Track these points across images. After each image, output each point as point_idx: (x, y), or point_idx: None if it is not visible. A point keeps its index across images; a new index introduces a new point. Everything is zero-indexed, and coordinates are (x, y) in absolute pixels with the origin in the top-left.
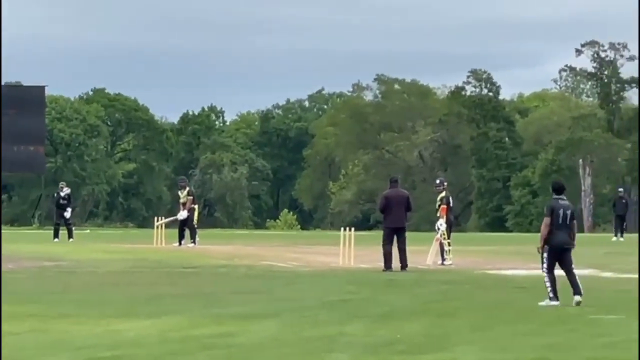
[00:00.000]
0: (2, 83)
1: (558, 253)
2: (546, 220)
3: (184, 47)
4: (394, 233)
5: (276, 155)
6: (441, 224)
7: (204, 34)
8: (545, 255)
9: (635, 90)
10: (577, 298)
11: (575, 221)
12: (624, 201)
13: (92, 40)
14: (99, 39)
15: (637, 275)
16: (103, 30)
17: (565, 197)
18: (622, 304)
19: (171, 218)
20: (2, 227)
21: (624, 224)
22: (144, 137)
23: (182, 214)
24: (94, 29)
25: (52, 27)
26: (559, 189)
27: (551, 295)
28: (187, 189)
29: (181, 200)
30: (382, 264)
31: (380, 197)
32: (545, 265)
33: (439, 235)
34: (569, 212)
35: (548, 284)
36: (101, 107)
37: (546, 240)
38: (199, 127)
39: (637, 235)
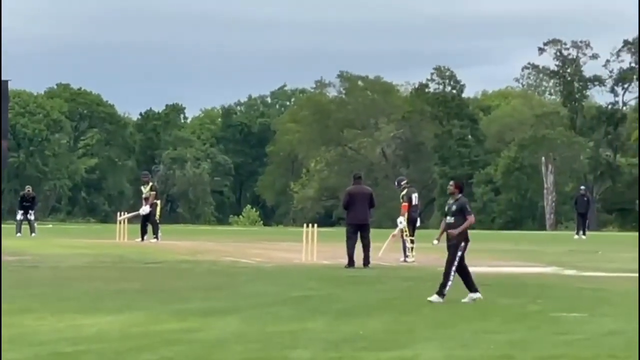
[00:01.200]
0: None
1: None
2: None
3: (148, 42)
4: (357, 229)
5: (239, 151)
6: (400, 221)
7: (169, 30)
8: (460, 253)
9: (598, 88)
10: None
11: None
12: (585, 199)
13: (56, 35)
14: (63, 33)
15: (599, 273)
16: (67, 24)
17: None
18: (584, 302)
19: (133, 213)
20: None
21: (587, 222)
22: (107, 132)
23: (145, 209)
24: (58, 24)
25: (17, 21)
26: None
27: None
28: (150, 184)
29: (144, 195)
30: (344, 261)
31: (344, 193)
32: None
33: (396, 232)
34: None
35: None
36: (64, 102)
37: (467, 238)
38: (158, 122)
39: (597, 233)
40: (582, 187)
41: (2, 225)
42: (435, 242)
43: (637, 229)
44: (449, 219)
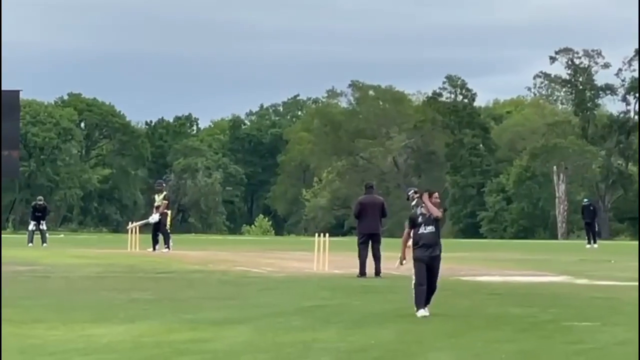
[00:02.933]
0: None
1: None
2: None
3: (160, 52)
4: (369, 239)
5: (249, 161)
6: None
7: (180, 40)
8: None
9: (610, 97)
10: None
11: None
12: (591, 208)
13: (68, 46)
14: (74, 44)
15: (611, 282)
16: (78, 35)
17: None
18: (596, 311)
19: (143, 221)
20: None
21: (595, 231)
22: (120, 142)
23: (154, 217)
24: (70, 34)
25: (31, 33)
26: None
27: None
28: (164, 193)
29: (156, 204)
30: (356, 270)
31: (355, 202)
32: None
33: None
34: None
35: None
36: (75, 111)
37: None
38: (170, 132)
39: (608, 242)
40: (586, 200)
41: (14, 236)
42: (402, 263)
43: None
44: (429, 228)
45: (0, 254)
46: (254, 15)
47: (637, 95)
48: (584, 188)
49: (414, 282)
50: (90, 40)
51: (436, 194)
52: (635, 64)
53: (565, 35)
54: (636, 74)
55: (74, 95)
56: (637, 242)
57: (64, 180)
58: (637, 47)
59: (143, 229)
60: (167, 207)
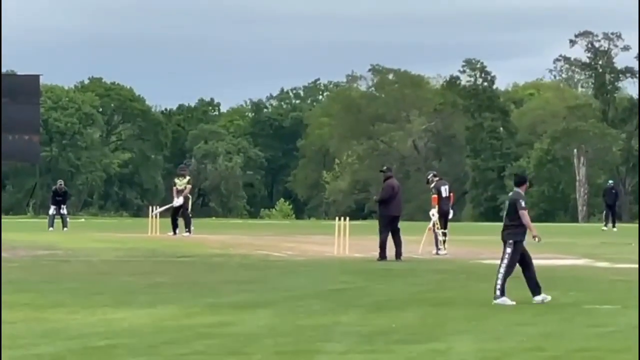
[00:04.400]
0: None
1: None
2: (527, 214)
3: (179, 36)
4: (393, 221)
5: (270, 145)
6: (433, 213)
7: (201, 23)
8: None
9: (630, 80)
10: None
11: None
12: (613, 191)
13: (88, 29)
14: (94, 27)
15: (632, 265)
16: (99, 18)
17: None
18: (617, 294)
19: (166, 206)
20: None
21: (615, 214)
22: (140, 126)
23: (178, 201)
24: (91, 17)
25: (49, 16)
26: (517, 182)
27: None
28: (188, 177)
29: (178, 187)
30: (376, 254)
31: (386, 185)
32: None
33: (430, 225)
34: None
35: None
36: (96, 97)
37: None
38: (190, 116)
39: (629, 225)
40: (610, 182)
41: (35, 220)
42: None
43: None
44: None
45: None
46: (276, 0)
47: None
48: (604, 171)
49: (506, 264)
50: (111, 24)
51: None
52: None
53: (585, 18)
54: None
55: (95, 80)
56: None
57: (85, 165)
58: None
59: (165, 213)
60: (191, 192)
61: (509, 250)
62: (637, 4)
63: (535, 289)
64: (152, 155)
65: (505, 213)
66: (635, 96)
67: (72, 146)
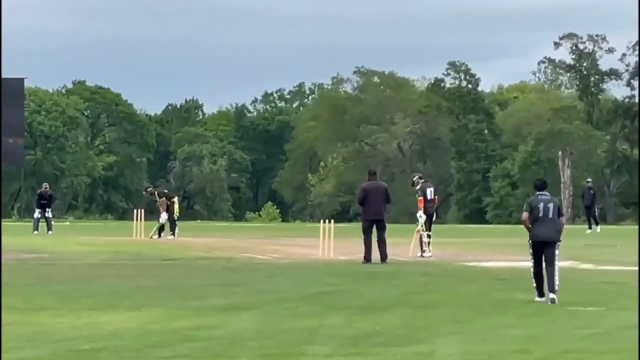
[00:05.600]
0: None
1: (539, 246)
2: (523, 215)
3: (164, 38)
4: (373, 225)
5: (254, 148)
6: (420, 215)
7: (184, 26)
8: (530, 251)
9: (615, 82)
10: (551, 295)
11: (562, 217)
12: (592, 192)
13: (71, 32)
14: (77, 30)
15: (616, 267)
16: (81, 21)
17: (547, 194)
18: (601, 296)
19: (157, 227)
20: None
21: (594, 214)
22: (125, 130)
23: (163, 216)
24: (73, 20)
25: (32, 19)
26: (540, 186)
27: (536, 291)
28: (156, 192)
29: (159, 204)
30: (361, 256)
31: (360, 189)
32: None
33: (419, 227)
34: (550, 205)
35: (533, 280)
36: (80, 100)
37: (530, 235)
38: (174, 119)
39: (613, 227)
40: (589, 180)
41: (20, 224)
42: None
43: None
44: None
45: (0, 242)
46: (260, 1)
47: (638, 86)
48: (589, 173)
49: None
50: (95, 27)
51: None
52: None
53: (570, 20)
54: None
55: (79, 84)
56: None
57: (70, 168)
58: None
59: (150, 216)
60: (169, 199)
61: (557, 251)
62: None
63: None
64: (137, 158)
65: (548, 214)
66: (620, 98)
67: (56, 150)
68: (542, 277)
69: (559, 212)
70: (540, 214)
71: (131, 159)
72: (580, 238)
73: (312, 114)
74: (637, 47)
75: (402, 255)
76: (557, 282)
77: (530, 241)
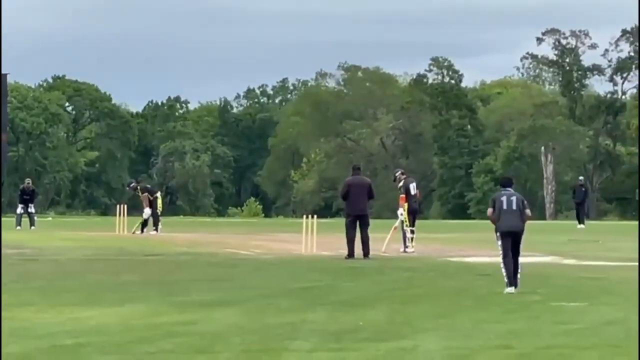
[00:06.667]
0: None
1: (507, 236)
2: (488, 212)
3: (147, 34)
4: (356, 220)
5: (237, 144)
6: (401, 212)
7: (167, 22)
8: (499, 243)
9: (597, 77)
10: (509, 289)
11: (526, 209)
12: (583, 189)
13: (51, 27)
14: (58, 25)
15: (599, 262)
16: (62, 16)
17: (511, 190)
18: (584, 292)
19: (140, 222)
20: None
21: (585, 211)
22: (107, 125)
23: (146, 212)
24: (54, 15)
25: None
26: (504, 183)
27: (506, 280)
28: (138, 188)
29: (143, 199)
30: (344, 252)
31: (343, 183)
32: (500, 252)
33: (397, 224)
34: (513, 199)
35: (503, 270)
36: (63, 95)
37: (495, 228)
38: (157, 115)
39: (596, 222)
40: (581, 178)
41: (3, 219)
42: None
43: (637, 218)
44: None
45: (0, 241)
46: None
47: (638, 79)
48: (571, 169)
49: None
50: (78, 23)
51: None
52: (622, 44)
53: (552, 16)
54: (623, 54)
55: (60, 79)
56: (624, 222)
57: (52, 164)
58: (629, 26)
59: (133, 211)
60: (152, 194)
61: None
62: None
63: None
64: (119, 154)
65: (512, 206)
66: (602, 94)
67: (38, 145)
68: (511, 267)
69: (523, 205)
70: (505, 207)
71: (113, 155)
72: (563, 234)
73: (295, 109)
74: (620, 43)
75: (385, 251)
76: (519, 271)
77: (498, 233)
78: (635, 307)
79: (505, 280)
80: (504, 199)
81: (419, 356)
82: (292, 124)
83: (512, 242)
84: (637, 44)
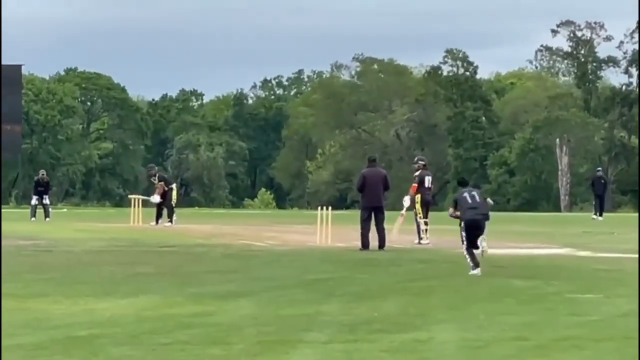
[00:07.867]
0: None
1: (474, 229)
2: (449, 212)
3: (163, 25)
4: (372, 212)
5: (253, 135)
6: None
7: (183, 13)
8: (463, 234)
9: (612, 69)
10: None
11: (487, 199)
12: (602, 181)
13: (68, 18)
14: (73, 16)
15: (614, 254)
16: (77, 7)
17: (470, 188)
18: (599, 283)
19: (145, 198)
20: None
21: (603, 204)
22: (120, 116)
23: (155, 198)
24: (68, 6)
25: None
26: (462, 183)
27: (471, 264)
28: (157, 175)
29: (157, 186)
30: (359, 243)
31: (359, 175)
32: (464, 242)
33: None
34: (474, 193)
35: (467, 257)
36: (76, 87)
37: (460, 221)
38: (172, 106)
39: (611, 214)
40: (599, 169)
41: (17, 210)
42: None
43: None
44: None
45: (0, 228)
46: None
47: (638, 74)
48: (586, 160)
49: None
50: (92, 13)
51: None
52: (637, 36)
53: (567, 7)
54: (638, 46)
55: (71, 71)
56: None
57: (65, 157)
58: (638, 19)
59: (147, 203)
60: (167, 185)
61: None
62: None
63: None
64: (132, 145)
65: (475, 199)
66: (617, 86)
67: (52, 138)
68: (473, 252)
69: (483, 197)
70: (469, 201)
71: (126, 146)
72: (578, 225)
73: (310, 101)
74: (635, 35)
75: (400, 242)
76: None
77: (463, 225)
78: None
79: (471, 264)
80: (466, 195)
81: (434, 347)
82: (306, 115)
83: (477, 232)
84: (638, 43)
